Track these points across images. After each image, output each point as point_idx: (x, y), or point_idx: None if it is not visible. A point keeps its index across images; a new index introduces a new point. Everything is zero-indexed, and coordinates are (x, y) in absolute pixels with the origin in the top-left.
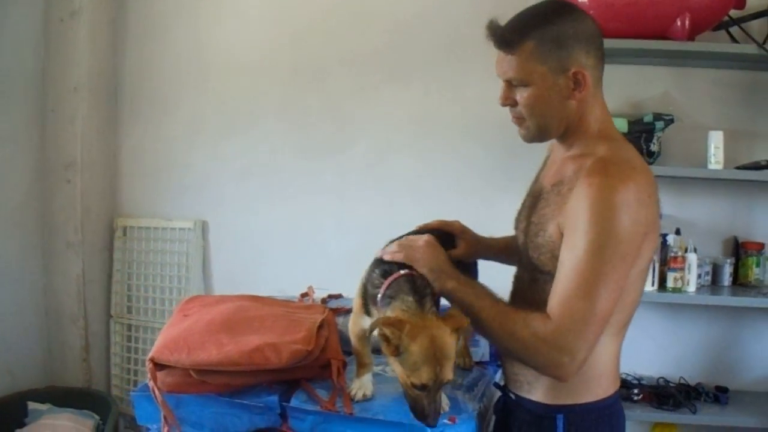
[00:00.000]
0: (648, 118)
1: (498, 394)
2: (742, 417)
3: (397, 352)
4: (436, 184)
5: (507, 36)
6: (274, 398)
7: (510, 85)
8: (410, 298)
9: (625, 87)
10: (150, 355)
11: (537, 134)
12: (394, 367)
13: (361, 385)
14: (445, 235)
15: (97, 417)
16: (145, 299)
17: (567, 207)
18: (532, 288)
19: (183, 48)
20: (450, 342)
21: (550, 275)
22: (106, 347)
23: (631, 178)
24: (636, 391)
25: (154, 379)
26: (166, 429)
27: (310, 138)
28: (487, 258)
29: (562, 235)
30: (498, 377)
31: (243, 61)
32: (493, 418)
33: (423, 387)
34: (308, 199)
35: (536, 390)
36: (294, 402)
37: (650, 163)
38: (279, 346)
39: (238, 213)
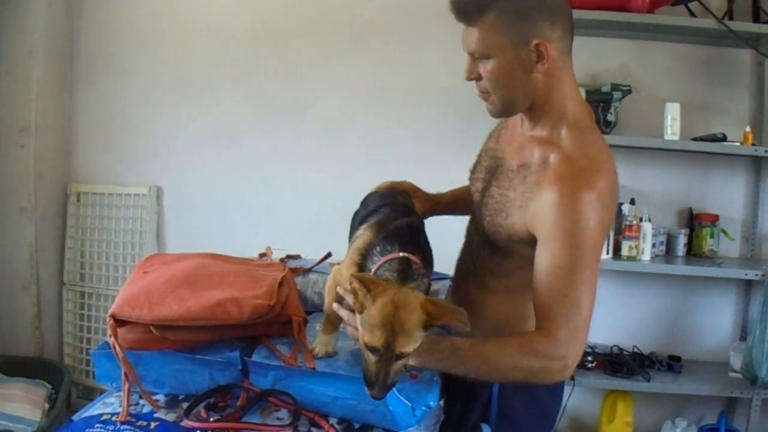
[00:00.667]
0: (606, 89)
1: None
2: (695, 385)
3: (361, 309)
4: (393, 149)
5: (467, 7)
6: (236, 354)
7: (474, 58)
8: (395, 275)
9: (584, 58)
10: (110, 311)
11: (503, 109)
12: (358, 325)
13: (326, 342)
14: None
15: (49, 386)
16: (99, 266)
17: (534, 207)
18: (480, 252)
19: (140, 11)
20: (414, 320)
21: (501, 250)
22: (59, 315)
23: (598, 182)
24: (590, 358)
25: (115, 335)
26: (126, 386)
27: (267, 103)
28: (439, 214)
29: (528, 232)
30: None
31: (200, 25)
32: None
33: (374, 350)
34: (265, 164)
35: (479, 332)
36: (255, 357)
37: (607, 133)
38: (241, 300)
39: (193, 179)
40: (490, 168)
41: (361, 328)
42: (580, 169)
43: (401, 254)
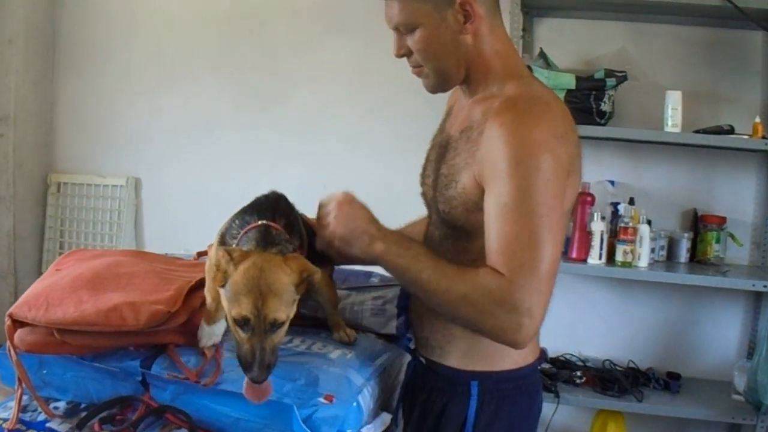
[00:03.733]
0: (599, 75)
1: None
2: (692, 408)
3: (224, 281)
4: (373, 140)
5: None
6: (135, 363)
7: (400, 33)
8: (255, 244)
9: (578, 42)
10: (9, 310)
11: (439, 80)
12: (223, 303)
13: (209, 333)
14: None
15: None
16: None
17: (480, 153)
18: (443, 246)
19: (119, 0)
20: (282, 278)
21: (463, 230)
22: None
23: (545, 113)
24: (579, 373)
25: (10, 337)
26: (19, 392)
27: (245, 92)
28: None
29: (477, 185)
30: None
31: (179, 13)
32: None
33: (244, 322)
34: (243, 155)
35: (449, 354)
36: (154, 369)
37: (602, 124)
38: (138, 305)
39: (171, 170)
40: (438, 157)
41: (227, 303)
42: (524, 100)
43: (260, 222)
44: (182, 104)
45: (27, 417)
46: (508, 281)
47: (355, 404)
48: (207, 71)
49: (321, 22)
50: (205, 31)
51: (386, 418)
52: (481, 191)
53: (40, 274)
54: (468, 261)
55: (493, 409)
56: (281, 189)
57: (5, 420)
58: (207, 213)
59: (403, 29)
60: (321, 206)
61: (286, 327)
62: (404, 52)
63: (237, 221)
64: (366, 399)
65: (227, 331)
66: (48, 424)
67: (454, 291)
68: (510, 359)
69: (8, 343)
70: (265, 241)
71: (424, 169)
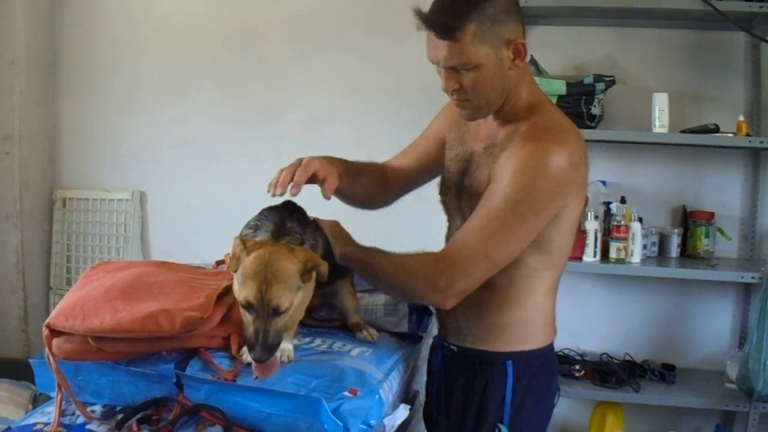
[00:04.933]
0: (588, 80)
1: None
2: (688, 397)
3: (237, 267)
4: (374, 146)
5: (448, 23)
6: (170, 366)
7: (454, 70)
8: (269, 236)
9: (565, 49)
10: (46, 321)
11: (482, 111)
12: (234, 288)
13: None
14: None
15: (34, 388)
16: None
17: (497, 165)
18: None
19: (118, 18)
20: (287, 266)
21: None
22: (45, 318)
23: (566, 141)
24: (578, 367)
25: (49, 345)
26: (59, 397)
27: (244, 106)
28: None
29: None
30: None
31: (176, 28)
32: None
33: (250, 306)
34: (244, 168)
35: (481, 340)
36: (189, 370)
37: (592, 127)
38: (173, 312)
39: (174, 183)
40: (461, 169)
41: (237, 288)
42: (547, 128)
43: (275, 219)
44: (184, 119)
45: (66, 421)
46: (441, 253)
47: (377, 397)
48: (207, 86)
49: (318, 36)
50: (205, 47)
51: (405, 409)
52: None
53: (49, 288)
54: None
55: (526, 384)
56: (280, 199)
57: (46, 424)
58: (212, 224)
59: (460, 68)
60: None
61: (291, 313)
62: (457, 88)
63: (255, 220)
64: (386, 392)
65: None
66: (87, 427)
67: (394, 265)
68: (536, 340)
69: (47, 350)
70: (278, 232)
71: (444, 178)
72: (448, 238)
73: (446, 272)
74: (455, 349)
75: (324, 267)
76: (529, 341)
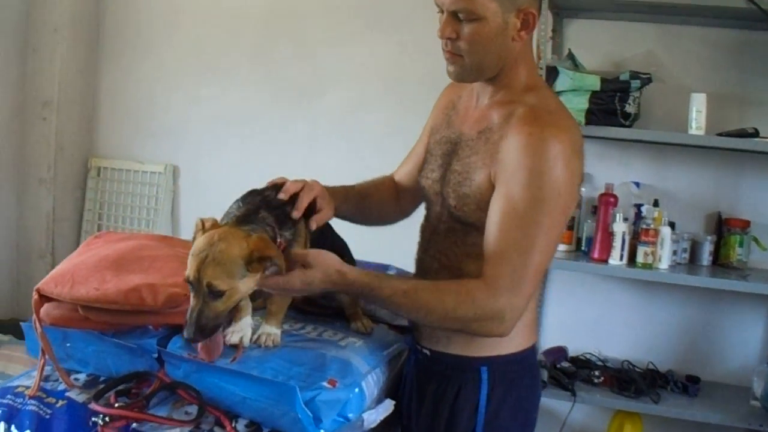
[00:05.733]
0: (624, 77)
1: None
2: (709, 412)
3: None
4: (408, 135)
5: None
6: (152, 341)
7: (455, 17)
8: (233, 220)
9: (605, 44)
10: (37, 285)
11: (472, 73)
12: None
13: (239, 329)
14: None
15: None
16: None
17: (500, 156)
18: (449, 239)
19: None
20: (233, 251)
21: (472, 227)
22: None
23: (567, 127)
24: (597, 373)
25: (37, 310)
26: (41, 362)
27: (282, 86)
28: (344, 213)
29: (492, 186)
30: None
31: (219, 6)
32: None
33: (190, 284)
34: (279, 147)
35: (455, 344)
36: (170, 347)
37: (627, 126)
38: (156, 287)
39: (208, 159)
40: (447, 152)
41: None
42: (548, 113)
43: (247, 206)
44: (220, 95)
45: (48, 386)
46: (494, 288)
47: (357, 390)
48: (245, 64)
49: (358, 19)
50: (245, 25)
51: (389, 404)
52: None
53: None
54: (474, 254)
55: (502, 392)
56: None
57: (28, 387)
58: None
59: (463, 16)
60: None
61: (233, 299)
62: (452, 36)
63: (235, 202)
64: (370, 385)
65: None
66: (67, 394)
67: (436, 313)
68: (514, 342)
69: (34, 315)
70: (244, 219)
71: (427, 162)
72: (425, 228)
73: (508, 305)
74: (428, 353)
75: (280, 261)
76: (506, 344)
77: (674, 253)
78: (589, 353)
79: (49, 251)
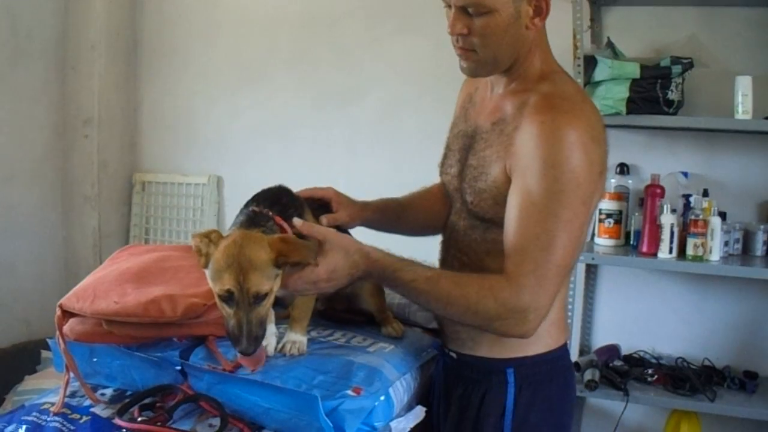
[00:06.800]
0: (665, 63)
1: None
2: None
3: (207, 263)
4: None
5: None
6: (175, 353)
7: (464, 12)
8: (238, 226)
9: (646, 31)
10: (60, 301)
11: (486, 67)
12: (210, 284)
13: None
14: (319, 203)
15: None
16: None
17: (515, 148)
18: (468, 236)
19: (196, 2)
20: (261, 254)
21: (491, 223)
22: None
23: (583, 114)
24: (650, 371)
25: (60, 326)
26: (66, 378)
27: (321, 91)
28: (370, 221)
29: (508, 179)
30: None
31: (255, 15)
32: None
33: (229, 296)
34: (320, 153)
35: (480, 345)
36: (192, 358)
37: (671, 114)
38: (176, 298)
39: (251, 168)
40: (464, 146)
41: (212, 283)
42: (562, 99)
43: (250, 209)
44: (260, 104)
45: (74, 402)
46: (517, 285)
47: (383, 397)
48: (283, 71)
49: (394, 21)
50: (281, 32)
51: (420, 411)
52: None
53: None
54: (495, 251)
55: (530, 394)
56: (358, 186)
57: (53, 404)
58: None
59: (473, 10)
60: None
61: (271, 299)
62: (464, 32)
63: (240, 211)
64: (398, 392)
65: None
66: (92, 409)
67: (458, 306)
68: (541, 343)
69: (57, 332)
70: (250, 223)
71: (446, 158)
72: (446, 225)
73: (532, 304)
74: (454, 356)
75: (305, 251)
76: (533, 345)
77: (726, 244)
78: (643, 351)
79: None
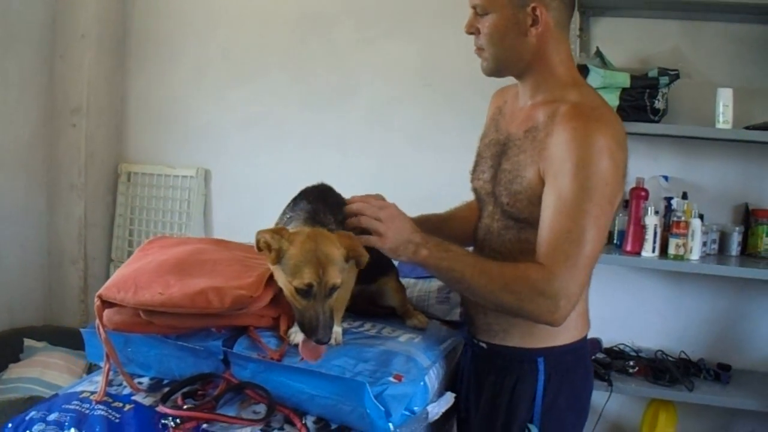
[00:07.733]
0: (653, 73)
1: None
2: (742, 398)
3: (279, 258)
4: (440, 135)
5: None
6: (218, 343)
7: (476, 13)
8: (303, 223)
9: (632, 41)
10: (98, 291)
11: (495, 66)
12: (278, 278)
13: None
14: None
15: None
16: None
17: (548, 152)
18: (503, 237)
19: None
20: (334, 250)
21: (527, 222)
22: None
23: (609, 122)
24: (632, 363)
25: (100, 316)
26: (106, 367)
27: (312, 88)
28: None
29: (542, 181)
30: None
31: (248, 8)
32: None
33: (308, 289)
34: (310, 150)
35: (512, 336)
36: (236, 348)
37: (655, 122)
38: (223, 290)
39: (240, 162)
40: (496, 153)
41: (285, 276)
42: (591, 108)
43: (310, 206)
44: (250, 98)
45: (113, 390)
46: (550, 272)
47: (422, 383)
48: (276, 67)
49: (387, 21)
50: (274, 27)
51: (450, 396)
52: (544, 186)
53: (110, 260)
54: (528, 251)
55: (558, 381)
56: (348, 182)
57: (93, 393)
58: (274, 205)
59: (478, 10)
60: (363, 211)
61: (339, 292)
62: (472, 31)
63: (290, 208)
64: (432, 379)
65: None
66: (133, 397)
67: (495, 284)
68: (568, 333)
69: (97, 321)
70: (313, 220)
71: (477, 165)
72: (478, 229)
73: (563, 291)
74: (485, 346)
75: (365, 258)
76: (562, 335)
77: (704, 244)
78: (623, 344)
79: (81, 257)
